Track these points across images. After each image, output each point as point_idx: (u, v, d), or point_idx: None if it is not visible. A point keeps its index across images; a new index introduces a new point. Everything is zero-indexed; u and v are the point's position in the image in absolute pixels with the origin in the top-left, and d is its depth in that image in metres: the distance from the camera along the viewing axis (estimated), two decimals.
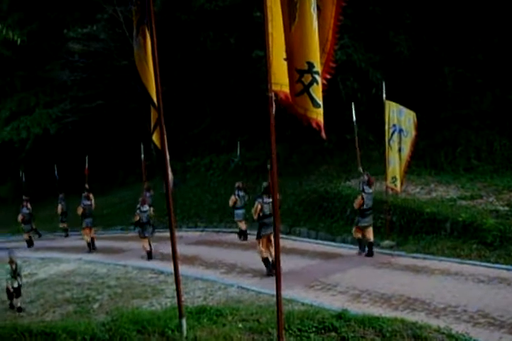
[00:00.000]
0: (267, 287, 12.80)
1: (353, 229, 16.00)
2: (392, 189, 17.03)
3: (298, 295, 11.94)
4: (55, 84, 32.45)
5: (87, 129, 30.72)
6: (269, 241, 14.10)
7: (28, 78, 34.21)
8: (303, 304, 11.11)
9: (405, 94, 18.41)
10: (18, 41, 10.79)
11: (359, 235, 15.75)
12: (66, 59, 31.00)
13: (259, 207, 14.35)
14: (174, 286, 14.02)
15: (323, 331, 8.39)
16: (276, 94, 6.96)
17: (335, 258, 15.81)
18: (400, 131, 16.68)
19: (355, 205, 15.64)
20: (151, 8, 8.19)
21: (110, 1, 27.94)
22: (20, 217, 23.68)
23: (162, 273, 15.81)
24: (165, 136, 8.38)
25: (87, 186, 22.62)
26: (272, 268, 13.16)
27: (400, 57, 20.88)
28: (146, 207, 18.48)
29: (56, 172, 25.62)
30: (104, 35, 30.04)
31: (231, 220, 20.72)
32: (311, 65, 6.70)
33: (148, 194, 21.50)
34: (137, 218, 18.24)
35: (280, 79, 7.03)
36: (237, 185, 19.51)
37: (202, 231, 21.92)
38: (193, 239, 20.35)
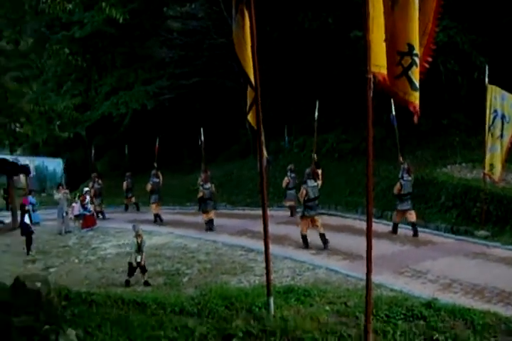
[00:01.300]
0: (355, 270, 12.76)
1: (394, 213, 17.29)
2: (489, 177, 16.49)
3: (387, 280, 11.84)
4: (154, 62, 33.19)
5: (183, 106, 31.31)
6: (313, 221, 15.86)
7: (128, 55, 35.12)
8: (391, 290, 11.03)
9: (510, 79, 17.61)
10: (121, 19, 11.09)
11: (398, 219, 17.06)
12: (165, 37, 31.62)
13: (305, 191, 15.71)
14: (263, 264, 14.26)
15: (411, 319, 8.28)
16: (374, 76, 6.84)
17: (426, 245, 15.54)
18: (503, 116, 16.07)
19: (395, 191, 16.90)
20: None
21: None
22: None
23: (252, 250, 16.04)
24: (260, 116, 8.41)
25: (155, 165, 23.52)
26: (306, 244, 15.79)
27: (506, 39, 19.96)
28: (208, 185, 20.12)
29: (157, 144, 25.78)
30: (202, 13, 30.44)
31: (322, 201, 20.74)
32: (411, 47, 6.58)
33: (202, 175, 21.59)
34: (200, 194, 20.02)
35: (379, 60, 6.89)
36: (289, 167, 20.83)
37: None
38: (283, 219, 20.40)
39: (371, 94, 6.77)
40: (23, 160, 36.39)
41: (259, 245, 16.17)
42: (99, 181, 26.56)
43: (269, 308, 8.28)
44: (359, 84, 7.35)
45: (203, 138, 21.95)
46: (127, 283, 14.28)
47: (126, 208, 27.71)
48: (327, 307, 8.53)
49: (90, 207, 23.30)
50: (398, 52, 6.65)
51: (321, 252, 15.34)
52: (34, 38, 32.77)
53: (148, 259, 16.43)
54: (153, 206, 23.14)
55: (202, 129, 22.00)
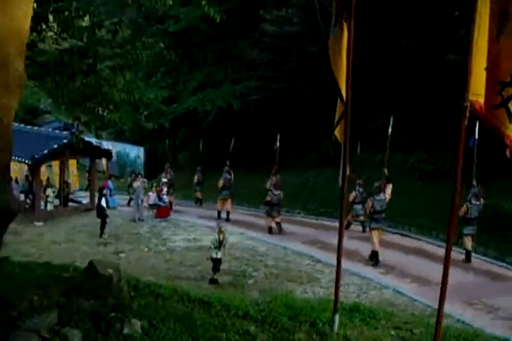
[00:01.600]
0: (423, 295, 12.47)
1: (464, 239, 16.48)
2: None
3: (455, 311, 11.46)
4: (244, 62, 33.40)
5: (268, 109, 31.34)
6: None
7: (219, 53, 35.48)
8: (458, 321, 10.69)
9: None
10: (218, 19, 11.15)
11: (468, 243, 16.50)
12: (258, 38, 31.76)
13: (371, 204, 16.23)
14: (330, 277, 14.30)
15: None
16: (471, 104, 6.60)
17: (501, 279, 14.95)
18: None
19: (460, 213, 15.73)
20: (352, 3, 8.04)
21: None
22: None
23: (320, 261, 15.94)
24: (348, 131, 8.29)
25: (228, 162, 23.93)
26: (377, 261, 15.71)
27: None
28: (278, 191, 20.58)
29: (232, 144, 25.99)
30: (297, 19, 30.32)
31: (396, 221, 20.41)
32: None
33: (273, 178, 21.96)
34: (269, 198, 20.40)
35: (478, 89, 6.63)
36: (358, 182, 20.45)
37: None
38: (356, 234, 20.03)
39: (466, 123, 6.56)
40: (107, 145, 37.49)
41: (328, 257, 16.13)
42: (171, 172, 26.94)
43: (333, 325, 8.16)
44: (449, 108, 7.13)
45: (278, 143, 22.08)
46: (214, 281, 14.33)
47: (196, 202, 27.90)
48: (392, 332, 8.33)
49: (166, 198, 23.68)
50: (500, 82, 6.39)
51: (390, 272, 15.05)
52: (131, 29, 33.75)
53: None
54: (222, 202, 23.46)
55: (278, 135, 22.19)
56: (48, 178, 28.08)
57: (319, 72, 27.87)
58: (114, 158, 36.22)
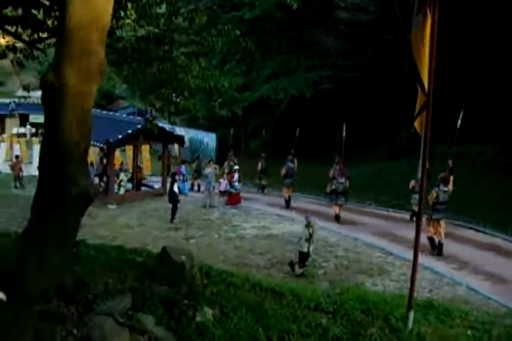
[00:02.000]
0: (498, 293, 12.06)
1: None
2: None
3: None
4: (318, 50, 33.06)
5: (340, 98, 30.95)
6: (439, 224, 15.92)
7: (293, 40, 35.23)
8: None
9: None
10: (295, 6, 10.96)
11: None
12: (332, 26, 31.34)
13: (435, 194, 15.99)
14: (401, 270, 14.04)
15: None
16: None
17: None
18: None
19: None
20: None
21: None
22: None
23: (391, 254, 15.63)
24: (429, 123, 8.00)
25: (292, 151, 24.05)
26: (436, 249, 15.65)
27: None
28: (342, 179, 20.48)
29: (297, 133, 25.87)
30: (373, 7, 29.72)
31: (470, 215, 19.84)
32: None
33: (337, 167, 21.77)
34: (333, 187, 20.44)
35: None
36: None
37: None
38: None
39: None
40: (179, 131, 37.94)
41: (399, 249, 15.87)
42: (235, 160, 27.48)
43: (407, 322, 7.93)
44: None
45: (344, 133, 21.61)
46: (301, 275, 13.96)
47: (263, 189, 28.06)
48: (468, 332, 8.03)
49: (238, 185, 23.71)
50: None
51: (463, 268, 14.58)
52: (206, 16, 33.78)
53: (286, 245, 16.57)
54: (285, 190, 23.71)
55: (344, 124, 21.68)
56: (121, 162, 28.69)
57: (394, 61, 27.30)
58: (187, 144, 36.69)
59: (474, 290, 12.57)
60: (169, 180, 24.14)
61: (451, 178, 16.42)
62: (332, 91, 30.81)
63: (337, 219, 20.29)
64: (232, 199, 23.38)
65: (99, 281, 7.58)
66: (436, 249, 15.73)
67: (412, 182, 19.63)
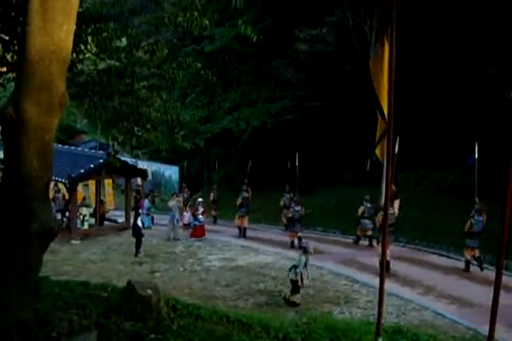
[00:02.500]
0: (464, 317, 12.12)
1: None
2: None
3: (497, 334, 10.96)
4: (278, 81, 33.46)
5: (303, 127, 31.23)
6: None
7: (253, 73, 35.60)
8: None
9: None
10: (254, 38, 11.10)
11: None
12: (292, 58, 31.84)
13: (381, 218, 15.88)
14: (368, 297, 14.07)
15: None
16: None
17: None
18: None
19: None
20: (394, 20, 7.90)
21: (341, 5, 28.15)
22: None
23: (357, 282, 15.65)
24: (390, 150, 8.09)
25: (246, 181, 25.32)
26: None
27: None
28: (298, 207, 21.02)
29: (249, 165, 26.73)
30: (331, 38, 30.34)
31: (434, 240, 20.11)
32: None
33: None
34: (290, 215, 21.31)
35: None
36: (366, 197, 21.24)
37: (403, 246, 20.84)
38: (392, 254, 19.70)
39: None
40: (142, 164, 37.75)
41: (366, 277, 15.90)
42: (188, 192, 29.29)
43: None
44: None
45: (297, 162, 23.46)
46: (293, 304, 13.68)
47: (214, 219, 28.52)
48: None
49: (201, 217, 23.56)
50: None
51: (428, 292, 14.68)
52: (167, 49, 34.02)
53: (252, 276, 16.47)
54: (240, 219, 24.20)
55: (297, 154, 23.67)
56: (84, 197, 28.30)
57: (354, 90, 27.79)
58: (150, 177, 36.47)
59: (441, 315, 12.64)
60: (133, 214, 23.93)
61: (397, 201, 17.29)
62: (294, 121, 31.12)
63: (292, 246, 20.75)
64: (197, 231, 23.21)
65: (63, 318, 7.40)
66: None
67: (361, 208, 21.11)
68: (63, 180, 24.24)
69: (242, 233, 23.82)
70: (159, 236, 23.54)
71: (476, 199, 17.53)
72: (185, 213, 24.38)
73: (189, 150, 35.23)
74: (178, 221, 23.77)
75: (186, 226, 24.18)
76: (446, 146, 24.12)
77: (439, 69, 24.58)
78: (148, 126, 12.05)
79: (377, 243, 17.23)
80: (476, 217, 17.06)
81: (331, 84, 30.06)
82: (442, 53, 24.23)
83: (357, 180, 27.74)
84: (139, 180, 37.06)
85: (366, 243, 21.04)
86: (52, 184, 26.78)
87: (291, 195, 24.55)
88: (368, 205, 21.05)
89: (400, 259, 17.98)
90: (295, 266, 13.96)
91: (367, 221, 20.95)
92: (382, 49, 8.22)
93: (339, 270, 17.15)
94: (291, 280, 13.98)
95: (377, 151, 8.50)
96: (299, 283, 13.85)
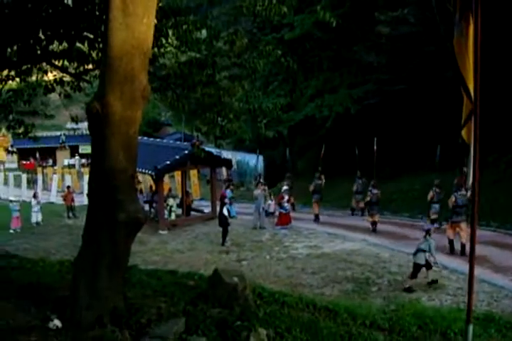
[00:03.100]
0: None
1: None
2: None
3: None
4: (360, 66, 32.93)
5: (387, 112, 30.71)
6: (459, 227, 17.16)
7: (334, 58, 35.17)
8: None
9: None
10: (334, 23, 10.96)
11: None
12: (374, 41, 31.25)
13: (454, 199, 17.34)
14: (457, 284, 13.74)
15: None
16: None
17: None
18: None
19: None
20: None
21: None
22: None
23: (446, 268, 15.31)
24: (478, 132, 7.83)
25: (319, 168, 26.01)
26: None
27: None
28: (376, 190, 21.80)
29: (323, 151, 27.25)
30: (413, 18, 29.54)
31: None
32: None
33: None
34: (368, 198, 21.96)
35: None
36: (436, 182, 21.19)
37: (494, 230, 20.14)
38: (483, 238, 19.03)
39: None
40: (226, 154, 38.20)
41: (455, 263, 15.51)
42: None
43: (466, 336, 7.69)
44: None
45: (375, 147, 23.46)
46: (409, 290, 13.67)
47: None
48: None
49: (287, 205, 23.64)
50: None
51: None
52: (247, 39, 34.16)
53: (339, 263, 16.46)
54: (314, 205, 25.04)
55: (375, 139, 23.51)
56: (170, 188, 28.95)
57: (438, 72, 26.99)
58: (234, 166, 36.90)
59: None
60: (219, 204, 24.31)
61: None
62: (377, 106, 30.60)
63: (374, 229, 21.22)
64: (283, 219, 23.31)
65: (152, 306, 7.65)
66: (452, 251, 17.13)
67: (431, 193, 21.06)
68: (150, 172, 24.90)
69: (315, 218, 24.52)
70: (245, 225, 23.79)
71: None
72: (270, 202, 24.52)
73: (273, 139, 35.30)
74: (263, 209, 23.95)
75: (272, 214, 24.35)
76: None
77: None
78: (231, 116, 12.15)
79: (450, 225, 17.57)
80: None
81: (413, 67, 29.26)
82: None
83: (441, 165, 27.04)
84: (224, 170, 37.71)
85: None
86: (147, 177, 27.63)
87: (363, 180, 25.06)
88: (437, 190, 21.05)
89: (491, 244, 17.38)
90: (423, 250, 13.91)
91: (436, 205, 21.09)
92: (467, 27, 7.95)
93: None
94: (416, 264, 13.85)
95: (464, 133, 8.26)
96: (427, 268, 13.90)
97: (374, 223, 21.43)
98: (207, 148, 21.87)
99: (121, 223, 6.95)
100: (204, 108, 12.14)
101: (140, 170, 23.46)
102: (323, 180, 25.54)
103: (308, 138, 37.81)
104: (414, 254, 14.07)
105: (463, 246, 16.86)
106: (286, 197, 23.70)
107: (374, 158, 23.36)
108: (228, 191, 28.03)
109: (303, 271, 16.23)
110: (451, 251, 17.08)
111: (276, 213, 24.07)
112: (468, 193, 16.94)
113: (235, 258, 18.61)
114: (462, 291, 12.64)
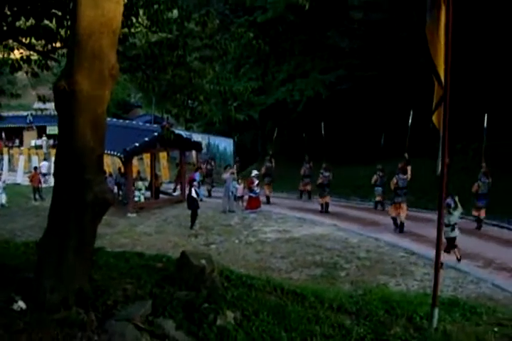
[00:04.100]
0: None
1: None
2: None
3: None
4: (332, 51, 32.91)
5: (357, 97, 30.81)
6: (400, 207, 18.74)
7: (306, 43, 35.11)
8: None
9: None
10: (307, 6, 10.91)
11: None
12: (346, 26, 31.29)
13: (395, 180, 18.97)
14: (424, 270, 13.92)
15: None
16: None
17: None
18: None
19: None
20: None
21: None
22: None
23: (414, 253, 15.55)
24: (447, 117, 7.93)
25: (270, 152, 28.00)
26: (398, 228, 18.65)
27: None
28: (327, 173, 23.34)
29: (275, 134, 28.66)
30: (386, 4, 29.66)
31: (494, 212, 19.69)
32: None
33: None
34: (320, 181, 23.18)
35: None
36: (378, 167, 22.88)
37: (461, 218, 20.36)
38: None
39: None
40: (196, 137, 38.05)
41: (423, 249, 15.73)
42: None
43: (431, 320, 7.82)
44: None
45: (323, 131, 24.92)
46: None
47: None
48: (495, 329, 7.88)
49: (257, 189, 23.66)
50: None
51: (488, 266, 14.41)
52: (219, 20, 33.95)
53: (307, 248, 16.54)
54: (266, 187, 25.92)
55: (323, 124, 24.95)
56: (138, 171, 28.75)
57: (410, 58, 27.16)
58: (204, 149, 36.79)
59: (500, 288, 12.44)
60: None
61: (408, 168, 19.08)
62: (348, 91, 30.69)
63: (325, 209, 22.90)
64: (252, 203, 23.35)
65: (118, 288, 7.61)
66: (398, 228, 18.57)
67: (374, 177, 22.78)
68: (119, 154, 24.67)
69: (267, 200, 25.51)
70: (214, 209, 23.79)
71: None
72: (238, 186, 24.49)
73: (243, 123, 35.24)
74: (232, 193, 23.94)
75: (240, 198, 24.36)
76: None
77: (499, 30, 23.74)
78: (202, 98, 12.05)
79: (391, 205, 19.33)
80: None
81: (386, 53, 29.45)
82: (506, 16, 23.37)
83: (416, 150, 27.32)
84: (193, 153, 37.58)
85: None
86: (115, 159, 27.37)
87: (311, 164, 25.86)
88: (380, 174, 22.62)
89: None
90: (455, 224, 14.21)
91: (379, 188, 22.78)
92: (439, 14, 8.01)
93: (396, 241, 17.14)
94: (449, 238, 13.95)
95: (434, 119, 8.34)
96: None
97: (326, 204, 22.93)
98: (177, 131, 21.79)
99: (88, 203, 6.87)
100: (174, 89, 12.02)
101: (109, 151, 23.22)
102: (273, 163, 26.58)
103: (279, 123, 37.80)
104: (450, 228, 14.17)
105: (401, 224, 18.56)
106: (256, 181, 23.71)
107: (323, 143, 24.46)
108: (197, 174, 27.93)
109: (271, 255, 16.31)
110: (401, 230, 18.46)
111: (246, 197, 24.09)
112: (408, 177, 19.04)
113: (203, 241, 18.63)
114: (429, 277, 12.81)
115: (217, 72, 12.65)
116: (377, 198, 23.17)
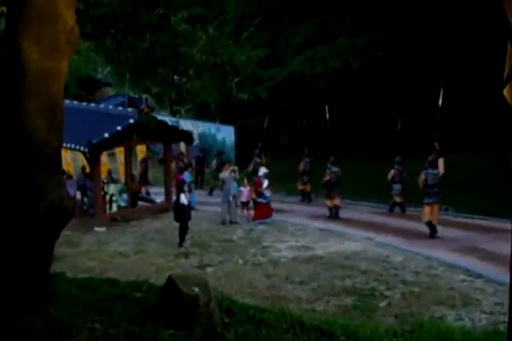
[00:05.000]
0: None
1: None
2: None
3: None
4: (366, 4, 32.68)
5: (390, 69, 30.57)
6: (433, 209, 19.58)
7: None
8: None
9: None
10: None
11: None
12: None
13: (423, 177, 19.64)
14: (495, 298, 13.85)
15: None
16: None
17: None
18: None
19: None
20: None
21: None
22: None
23: (480, 276, 15.48)
24: None
25: (259, 144, 29.28)
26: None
27: None
28: (336, 168, 23.87)
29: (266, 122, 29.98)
30: None
31: None
32: None
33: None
34: (327, 177, 23.63)
35: None
36: (396, 159, 23.83)
37: None
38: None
39: None
40: (186, 125, 38.03)
41: (492, 271, 15.67)
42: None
43: None
44: None
45: (328, 115, 26.04)
46: None
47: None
48: None
49: (267, 192, 23.55)
50: None
51: None
52: None
53: (335, 270, 16.54)
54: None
55: (327, 107, 26.15)
56: (109, 171, 28.65)
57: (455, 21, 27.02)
58: (196, 141, 36.72)
59: None
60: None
61: (442, 160, 19.61)
62: (387, 58, 30.48)
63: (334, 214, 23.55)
64: (261, 212, 23.32)
65: (83, 326, 7.58)
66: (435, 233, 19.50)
67: (391, 172, 23.42)
68: (82, 148, 24.63)
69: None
70: (211, 220, 23.80)
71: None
72: (242, 188, 24.45)
73: (248, 104, 35.22)
74: (234, 197, 23.90)
75: (245, 204, 24.35)
76: None
77: None
78: (191, 73, 12.06)
79: (423, 208, 19.88)
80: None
81: (439, 9, 29.26)
82: None
83: (475, 140, 27.27)
84: (182, 146, 37.53)
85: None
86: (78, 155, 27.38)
87: (311, 158, 26.89)
88: (399, 168, 23.59)
89: None
90: None
91: (398, 186, 23.72)
92: None
93: (455, 260, 17.16)
94: None
95: (506, 92, 8.24)
96: None
97: (336, 208, 23.48)
98: (159, 117, 21.74)
99: (41, 214, 6.81)
100: (155, 61, 12.02)
101: (68, 145, 23.26)
102: (264, 158, 28.12)
103: (294, 106, 37.70)
104: None
105: (434, 228, 19.51)
106: (266, 183, 23.65)
107: (327, 130, 25.02)
108: (187, 174, 27.88)
109: (287, 280, 16.32)
110: (432, 235, 19.52)
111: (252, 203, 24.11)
112: (441, 171, 19.55)
113: (196, 263, 18.66)
114: (501, 308, 12.77)
115: (211, 37, 12.64)
116: (396, 198, 23.79)
